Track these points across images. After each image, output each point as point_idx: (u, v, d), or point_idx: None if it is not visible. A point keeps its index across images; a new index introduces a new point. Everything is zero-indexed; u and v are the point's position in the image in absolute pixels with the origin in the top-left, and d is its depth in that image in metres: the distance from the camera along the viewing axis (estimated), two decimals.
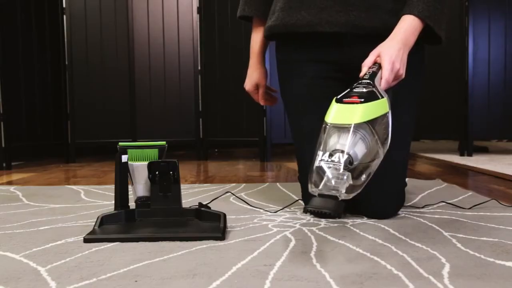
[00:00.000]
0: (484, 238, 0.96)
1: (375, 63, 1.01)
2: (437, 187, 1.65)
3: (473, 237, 0.97)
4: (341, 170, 0.82)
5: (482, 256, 0.84)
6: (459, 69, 2.91)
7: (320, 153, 0.86)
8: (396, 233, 1.01)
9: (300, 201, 1.36)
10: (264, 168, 2.51)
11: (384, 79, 0.98)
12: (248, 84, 1.35)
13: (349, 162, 0.84)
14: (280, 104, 1.34)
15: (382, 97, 0.92)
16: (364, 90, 0.93)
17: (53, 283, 0.72)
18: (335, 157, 0.84)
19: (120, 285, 0.71)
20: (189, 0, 3.04)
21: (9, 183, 1.99)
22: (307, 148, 1.21)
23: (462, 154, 2.92)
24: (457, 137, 3.00)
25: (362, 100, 0.89)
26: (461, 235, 0.99)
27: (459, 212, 1.23)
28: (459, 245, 0.92)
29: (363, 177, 0.87)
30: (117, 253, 0.88)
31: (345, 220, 1.15)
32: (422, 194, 1.51)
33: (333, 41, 1.17)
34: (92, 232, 1.00)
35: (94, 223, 1.06)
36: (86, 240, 0.96)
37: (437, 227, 1.06)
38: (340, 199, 0.81)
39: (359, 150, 0.86)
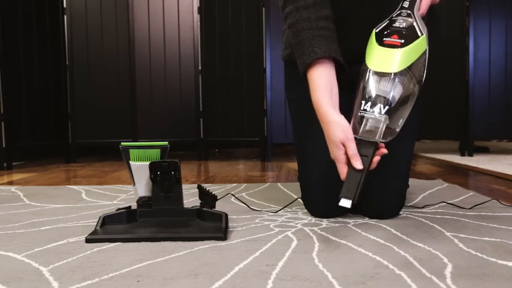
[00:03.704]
0: (486, 238, 0.96)
1: None
2: (438, 187, 1.65)
3: (475, 237, 0.97)
4: (380, 116, 0.90)
5: (485, 256, 0.84)
6: (460, 69, 2.91)
7: (362, 102, 0.92)
8: (398, 233, 1.01)
9: (299, 199, 1.36)
10: (264, 168, 2.51)
11: (425, 2, 0.98)
12: (331, 149, 0.96)
13: (388, 106, 0.91)
14: (281, 104, 1.34)
15: (422, 33, 0.94)
16: (404, 25, 0.95)
17: (55, 283, 0.72)
18: (377, 107, 0.91)
19: (123, 285, 0.71)
20: (189, 0, 3.04)
21: (10, 183, 1.99)
22: (307, 147, 1.21)
23: (463, 154, 2.92)
24: (458, 137, 3.01)
25: (402, 41, 0.92)
26: (463, 235, 0.99)
27: (460, 212, 1.23)
28: (461, 245, 0.91)
29: (400, 121, 0.93)
30: (119, 253, 0.88)
31: (347, 220, 1.15)
32: (423, 194, 1.51)
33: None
34: (94, 232, 1.00)
35: (95, 223, 1.06)
36: (88, 240, 0.96)
37: (438, 227, 1.06)
38: (378, 142, 0.91)
39: (397, 93, 0.92)
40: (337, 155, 0.93)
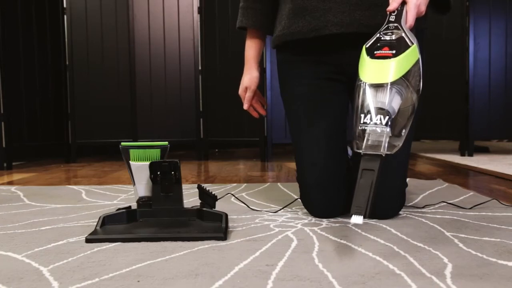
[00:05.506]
0: (486, 238, 0.96)
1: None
2: (438, 187, 1.65)
3: (475, 237, 0.97)
4: (382, 127, 0.88)
5: (485, 256, 0.84)
6: (460, 69, 2.91)
7: (361, 116, 0.90)
8: (398, 233, 1.01)
9: (299, 199, 1.36)
10: (264, 168, 2.51)
11: (410, 14, 0.98)
12: (240, 88, 1.35)
13: (388, 117, 0.89)
14: (281, 104, 1.34)
15: (412, 43, 0.93)
16: (394, 37, 0.94)
17: (56, 283, 0.72)
18: (377, 119, 0.88)
19: (123, 285, 0.71)
20: (189, 1, 3.04)
21: (10, 183, 1.99)
22: (305, 148, 1.21)
23: (463, 154, 2.92)
24: (458, 137, 3.01)
25: (394, 52, 0.91)
26: (463, 235, 0.99)
27: (460, 212, 1.23)
28: (461, 245, 0.91)
29: (403, 131, 0.92)
30: (119, 253, 0.88)
31: (347, 220, 1.15)
32: (423, 194, 1.51)
33: (336, 43, 1.18)
34: (94, 232, 1.00)
35: (95, 223, 1.05)
36: (88, 240, 0.96)
37: (438, 227, 1.06)
38: (384, 155, 0.87)
39: (396, 104, 0.90)
40: (241, 93, 1.34)
